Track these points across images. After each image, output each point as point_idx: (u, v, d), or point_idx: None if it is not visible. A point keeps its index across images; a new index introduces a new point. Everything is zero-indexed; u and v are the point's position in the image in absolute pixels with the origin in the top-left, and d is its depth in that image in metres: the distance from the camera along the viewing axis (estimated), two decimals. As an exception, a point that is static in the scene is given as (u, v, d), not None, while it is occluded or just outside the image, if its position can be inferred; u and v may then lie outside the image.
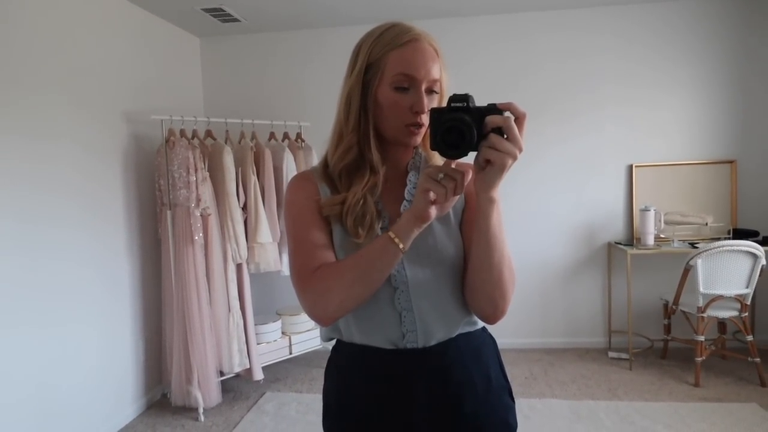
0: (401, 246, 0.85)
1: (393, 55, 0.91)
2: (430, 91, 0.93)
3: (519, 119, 0.80)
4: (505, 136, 0.79)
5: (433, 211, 0.83)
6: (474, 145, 0.80)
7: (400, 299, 0.94)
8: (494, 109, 0.80)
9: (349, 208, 0.93)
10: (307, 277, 0.90)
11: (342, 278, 0.87)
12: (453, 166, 0.83)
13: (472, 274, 0.92)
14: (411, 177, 1.00)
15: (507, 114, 0.80)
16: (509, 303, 0.93)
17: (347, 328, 0.98)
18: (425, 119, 0.92)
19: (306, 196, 0.98)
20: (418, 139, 0.95)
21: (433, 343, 0.95)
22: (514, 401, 1.06)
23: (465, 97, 0.81)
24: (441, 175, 0.80)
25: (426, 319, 0.94)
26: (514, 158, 0.78)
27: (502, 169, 0.79)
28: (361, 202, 0.94)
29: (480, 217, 0.86)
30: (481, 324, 1.02)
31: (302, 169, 3.52)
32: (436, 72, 0.92)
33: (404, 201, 0.98)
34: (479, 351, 1.01)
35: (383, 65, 0.92)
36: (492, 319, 0.95)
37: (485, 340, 1.04)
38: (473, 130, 0.79)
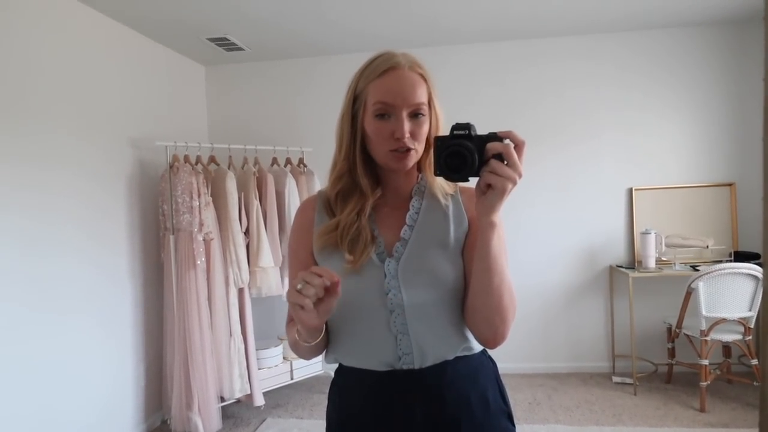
0: (306, 344, 0.93)
1: (373, 86, 0.95)
2: (415, 116, 0.94)
3: (518, 146, 0.84)
4: (506, 162, 0.83)
5: (301, 314, 0.82)
6: (475, 170, 0.84)
7: (396, 322, 0.95)
8: (495, 136, 0.85)
9: (343, 230, 0.97)
10: (286, 325, 1.06)
11: (289, 343, 0.99)
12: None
13: (472, 297, 0.93)
14: (414, 202, 1.02)
15: (507, 141, 0.84)
16: (509, 328, 0.93)
17: (344, 351, 1.00)
18: (412, 144, 0.94)
19: (300, 228, 1.05)
20: (408, 164, 0.97)
21: (429, 364, 0.96)
22: (514, 425, 1.05)
23: (467, 126, 0.86)
24: (300, 285, 0.80)
25: (422, 343, 0.95)
26: (514, 183, 0.83)
27: (502, 193, 0.83)
28: (356, 225, 0.97)
29: (480, 241, 0.88)
30: (479, 347, 1.01)
31: (304, 194, 3.55)
32: (418, 96, 0.94)
33: (405, 225, 1.00)
34: (476, 373, 1.00)
35: (366, 96, 0.96)
36: (492, 343, 0.96)
37: (484, 362, 1.03)
38: (475, 155, 0.84)
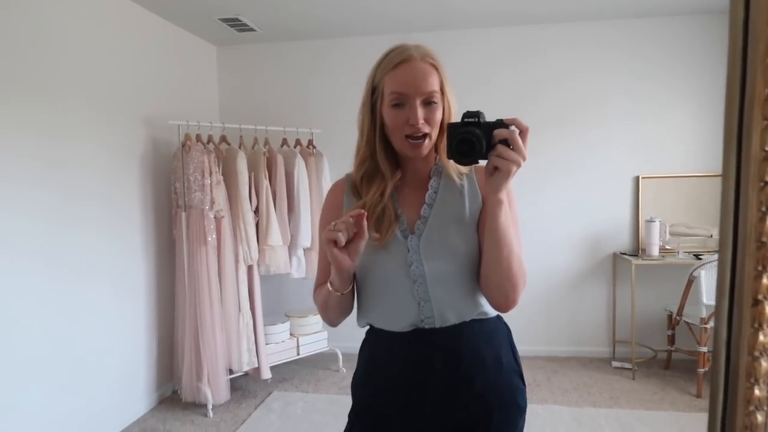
0: (338, 294, 1.04)
1: (388, 78, 1.04)
2: (429, 103, 1.03)
3: (523, 132, 0.93)
4: (511, 147, 0.92)
5: (336, 253, 0.96)
6: (483, 154, 0.93)
7: (419, 290, 1.06)
8: (501, 123, 0.94)
9: (369, 210, 1.06)
10: (313, 292, 1.18)
11: (318, 306, 1.14)
12: (351, 217, 0.98)
13: (485, 266, 1.04)
14: (432, 183, 1.12)
15: (512, 128, 0.93)
16: (519, 294, 1.04)
17: (374, 316, 1.12)
18: (427, 128, 1.03)
19: (331, 207, 1.16)
20: (422, 152, 1.06)
21: (448, 325, 1.07)
22: (524, 384, 1.15)
23: (476, 114, 0.95)
24: (334, 224, 0.95)
25: (442, 308, 1.06)
26: (518, 166, 0.92)
27: (507, 174, 0.92)
28: (380, 205, 1.07)
29: (489, 217, 0.99)
30: (495, 313, 1.12)
31: (313, 175, 3.60)
32: (430, 85, 1.02)
33: (424, 204, 1.10)
34: (492, 335, 1.11)
35: (382, 87, 1.05)
36: (504, 307, 1.06)
37: (498, 326, 1.14)
38: (483, 141, 0.93)
